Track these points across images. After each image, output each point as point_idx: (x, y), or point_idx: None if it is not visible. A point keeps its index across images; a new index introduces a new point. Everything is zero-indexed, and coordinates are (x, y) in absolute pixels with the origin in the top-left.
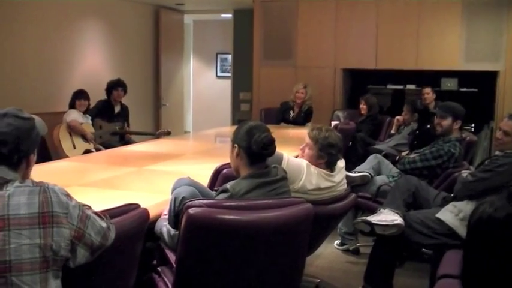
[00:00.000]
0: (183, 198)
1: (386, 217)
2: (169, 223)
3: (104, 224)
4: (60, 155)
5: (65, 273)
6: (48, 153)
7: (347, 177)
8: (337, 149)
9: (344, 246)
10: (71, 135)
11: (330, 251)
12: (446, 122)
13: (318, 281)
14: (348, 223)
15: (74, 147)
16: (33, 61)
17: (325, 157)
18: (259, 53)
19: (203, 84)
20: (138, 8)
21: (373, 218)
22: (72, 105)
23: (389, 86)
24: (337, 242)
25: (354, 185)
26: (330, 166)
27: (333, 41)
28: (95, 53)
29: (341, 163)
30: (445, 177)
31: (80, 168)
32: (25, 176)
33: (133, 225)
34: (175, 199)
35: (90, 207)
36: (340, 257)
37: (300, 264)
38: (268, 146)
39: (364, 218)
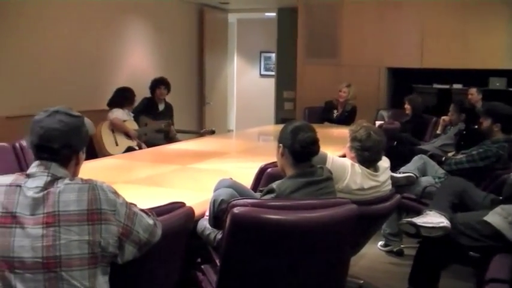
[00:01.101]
0: (221, 200)
1: (433, 219)
2: (209, 223)
3: (150, 221)
4: (102, 151)
5: (112, 269)
6: (94, 151)
7: (392, 177)
8: (374, 150)
9: (388, 248)
10: (113, 132)
11: (373, 251)
12: (486, 123)
13: (361, 282)
14: (392, 224)
15: (116, 144)
16: (79, 59)
17: (360, 155)
18: (303, 51)
19: (246, 82)
20: (182, 7)
21: (419, 220)
22: (115, 103)
23: (435, 86)
24: (380, 243)
25: (398, 185)
26: (369, 165)
27: (378, 39)
28: (140, 52)
29: (386, 163)
30: (493, 179)
31: (126, 165)
32: (75, 174)
33: (179, 223)
34: (214, 201)
35: (136, 205)
36: (383, 258)
37: (345, 265)
38: (312, 146)
39: (409, 219)
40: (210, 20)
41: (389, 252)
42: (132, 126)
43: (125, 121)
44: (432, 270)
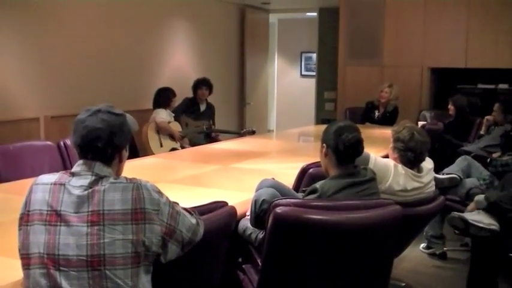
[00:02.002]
0: (263, 200)
1: (483, 219)
2: (250, 223)
3: (193, 221)
4: (147, 152)
5: (154, 268)
6: (136, 149)
7: (435, 179)
8: (417, 150)
9: (430, 250)
10: (158, 133)
11: (415, 254)
12: None
13: (403, 284)
14: (435, 226)
15: (161, 146)
16: (123, 59)
17: (403, 156)
18: (344, 51)
19: (287, 83)
20: (224, 7)
21: (471, 217)
22: (158, 103)
23: (480, 86)
24: (423, 245)
25: (442, 187)
26: (413, 166)
27: (421, 39)
28: (182, 52)
29: (429, 164)
30: None
31: (167, 165)
32: (118, 172)
33: (221, 222)
34: (255, 201)
35: (178, 204)
36: (426, 261)
37: (388, 267)
38: (356, 146)
39: (461, 214)
40: (252, 21)
41: (432, 255)
42: (175, 127)
43: (169, 122)
44: (489, 273)
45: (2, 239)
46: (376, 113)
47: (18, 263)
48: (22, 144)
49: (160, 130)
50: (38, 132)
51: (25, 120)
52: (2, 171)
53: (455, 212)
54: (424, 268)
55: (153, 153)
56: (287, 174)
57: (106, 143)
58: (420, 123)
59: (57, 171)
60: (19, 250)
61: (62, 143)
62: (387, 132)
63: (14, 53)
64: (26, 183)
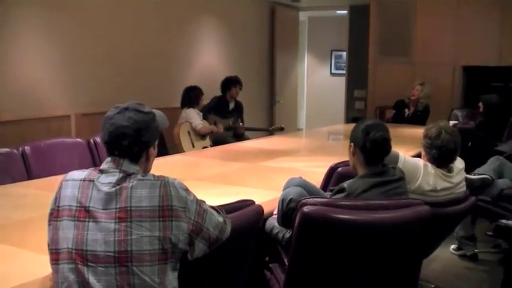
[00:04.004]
0: (290, 199)
1: None
2: (277, 222)
3: (220, 219)
4: (179, 152)
5: (181, 265)
6: (165, 148)
7: (466, 179)
8: (443, 149)
9: (461, 251)
10: (189, 134)
11: (446, 255)
12: None
13: (433, 286)
14: (466, 227)
15: (193, 146)
16: (153, 57)
17: (428, 153)
18: (375, 49)
19: (317, 81)
20: (254, 5)
21: None
22: (186, 102)
23: None
24: (453, 246)
25: (473, 187)
26: (441, 165)
27: (453, 36)
28: (211, 50)
29: (460, 164)
30: None
31: (196, 162)
32: (146, 170)
33: (248, 221)
34: (283, 200)
35: (205, 202)
36: (456, 262)
37: (416, 267)
38: (383, 145)
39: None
40: (282, 18)
41: (462, 256)
42: (205, 125)
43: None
44: None
45: (33, 235)
46: (406, 112)
47: (47, 259)
48: (53, 141)
49: (200, 133)
50: (69, 130)
51: (56, 118)
52: (33, 168)
53: (503, 221)
54: (455, 270)
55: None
56: (315, 173)
57: (132, 141)
58: (451, 122)
59: (87, 168)
60: (48, 245)
61: (91, 140)
62: (417, 131)
63: (46, 51)
64: (56, 180)
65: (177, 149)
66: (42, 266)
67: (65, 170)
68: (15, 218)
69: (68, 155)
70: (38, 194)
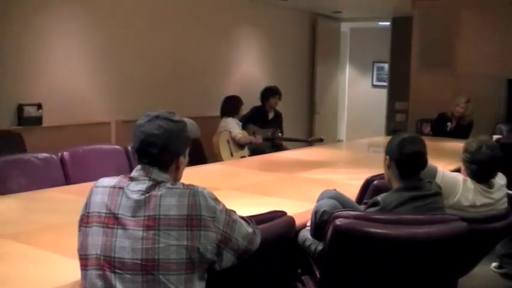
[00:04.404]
0: (323, 211)
1: None
2: (310, 234)
3: (250, 229)
4: (218, 161)
5: (210, 275)
6: (203, 156)
7: (508, 195)
8: (483, 164)
9: (502, 270)
10: (228, 143)
11: (486, 273)
12: None
13: None
14: (507, 245)
15: (232, 155)
16: (193, 66)
17: (468, 168)
18: (417, 61)
19: (358, 93)
20: (295, 16)
21: None
22: (225, 112)
23: None
24: (494, 264)
25: None
26: (481, 181)
27: (497, 49)
28: (251, 60)
29: (502, 180)
30: None
31: (232, 172)
32: (176, 178)
33: (279, 232)
34: (316, 212)
35: (235, 212)
36: (497, 281)
37: (452, 285)
38: (418, 159)
39: None
40: (323, 29)
41: (504, 275)
42: (244, 135)
43: (240, 132)
44: None
45: (66, 240)
46: (449, 125)
47: (78, 264)
48: (91, 147)
49: (239, 143)
50: (108, 136)
51: (96, 124)
52: (71, 173)
53: None
54: None
55: None
56: (352, 185)
57: (161, 149)
58: (495, 136)
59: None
60: (78, 251)
61: (129, 148)
62: (459, 145)
63: (88, 59)
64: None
65: (216, 158)
66: (73, 272)
67: (102, 176)
68: (50, 222)
69: (106, 161)
70: (75, 199)
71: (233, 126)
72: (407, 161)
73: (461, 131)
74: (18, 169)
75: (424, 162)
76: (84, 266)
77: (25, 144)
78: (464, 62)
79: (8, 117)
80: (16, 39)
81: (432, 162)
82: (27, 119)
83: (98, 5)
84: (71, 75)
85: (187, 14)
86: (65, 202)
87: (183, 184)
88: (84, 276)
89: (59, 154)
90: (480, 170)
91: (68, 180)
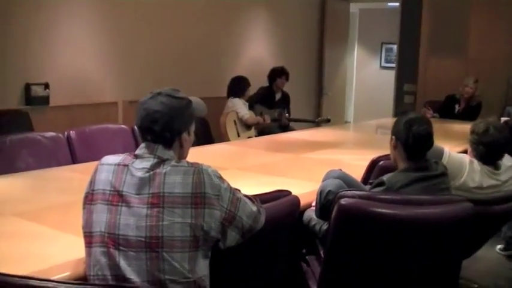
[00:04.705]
0: (329, 191)
1: None
2: (315, 214)
3: (254, 208)
4: (225, 141)
5: (214, 254)
6: (210, 136)
7: None
8: (491, 145)
9: (508, 252)
10: (235, 123)
11: (491, 255)
12: None
13: (476, 286)
14: None
15: (238, 135)
16: (200, 47)
17: (475, 149)
18: (426, 43)
19: (366, 74)
20: None
21: None
22: (232, 92)
23: None
24: (499, 246)
25: None
26: (487, 162)
27: (508, 32)
28: (259, 41)
29: (509, 161)
30: None
31: (239, 152)
32: (181, 156)
33: (284, 211)
34: (321, 192)
35: (240, 191)
36: (503, 263)
37: (455, 266)
38: (425, 139)
39: None
40: (332, 10)
41: (510, 257)
42: (252, 116)
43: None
44: None
45: (73, 218)
46: (457, 108)
47: (83, 241)
48: (97, 127)
49: (248, 125)
50: (116, 116)
51: (104, 104)
52: (78, 152)
53: None
54: (502, 270)
55: None
56: (358, 166)
57: (163, 126)
58: (503, 118)
59: None
60: (82, 228)
61: (136, 128)
62: (467, 127)
63: (96, 40)
64: None
65: (223, 138)
66: (79, 249)
67: None
68: (57, 201)
69: (113, 141)
70: (82, 178)
71: (240, 106)
72: (414, 142)
73: (469, 113)
74: (25, 148)
75: (430, 143)
76: (88, 243)
77: (32, 124)
78: (474, 44)
79: (16, 96)
80: (24, 19)
81: (439, 144)
82: (35, 99)
83: None
84: (78, 55)
85: None
86: (72, 181)
87: (187, 162)
88: (88, 254)
89: (66, 133)
90: (487, 151)
91: (74, 160)
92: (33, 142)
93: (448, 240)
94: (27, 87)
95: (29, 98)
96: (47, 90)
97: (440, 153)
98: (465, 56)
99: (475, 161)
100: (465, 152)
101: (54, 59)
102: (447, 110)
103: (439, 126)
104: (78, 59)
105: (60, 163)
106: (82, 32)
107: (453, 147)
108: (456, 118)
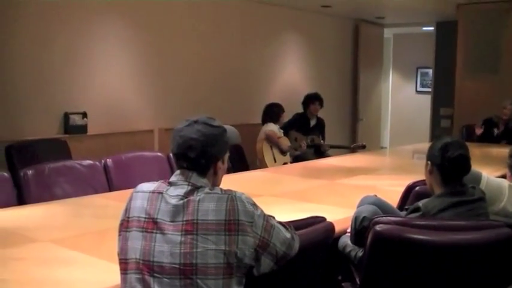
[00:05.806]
0: (364, 217)
1: None
2: (350, 240)
3: (288, 235)
4: (262, 167)
5: (248, 281)
6: (245, 162)
7: None
8: None
9: None
10: (271, 148)
11: None
12: None
13: None
14: None
15: (275, 161)
16: (234, 73)
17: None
18: (462, 66)
19: (402, 99)
20: (337, 22)
21: None
22: (267, 118)
23: None
24: None
25: None
26: None
27: None
28: (293, 66)
29: None
30: None
31: (274, 178)
32: (215, 184)
33: (318, 238)
34: (356, 218)
35: (274, 218)
36: None
37: None
38: (462, 164)
39: None
40: (366, 35)
41: None
42: (285, 141)
43: (279, 138)
44: None
45: (108, 245)
46: (496, 131)
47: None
48: (133, 154)
49: (268, 139)
50: (151, 144)
51: (140, 132)
52: (114, 180)
53: None
54: None
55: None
56: (393, 191)
57: (199, 154)
58: None
59: None
60: (118, 255)
61: (171, 155)
62: (506, 150)
63: (132, 68)
64: None
65: (260, 164)
66: (113, 274)
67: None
68: (93, 228)
69: (148, 168)
70: (118, 205)
71: (271, 127)
72: (450, 166)
73: (509, 135)
74: (63, 176)
75: (467, 167)
76: (123, 270)
77: (70, 152)
78: (509, 66)
79: (55, 125)
80: (64, 49)
81: (478, 168)
82: (73, 127)
83: (144, 14)
84: (115, 84)
85: (231, 22)
86: (108, 208)
87: (221, 189)
88: (123, 280)
89: (103, 161)
90: None
91: (111, 187)
92: (70, 170)
93: (487, 266)
94: (66, 117)
95: (68, 127)
96: (85, 119)
97: (478, 178)
98: (501, 79)
99: None
100: (504, 176)
101: (92, 89)
102: (486, 133)
103: (477, 151)
104: (115, 88)
105: (96, 190)
106: (119, 61)
107: (492, 172)
108: (495, 142)
